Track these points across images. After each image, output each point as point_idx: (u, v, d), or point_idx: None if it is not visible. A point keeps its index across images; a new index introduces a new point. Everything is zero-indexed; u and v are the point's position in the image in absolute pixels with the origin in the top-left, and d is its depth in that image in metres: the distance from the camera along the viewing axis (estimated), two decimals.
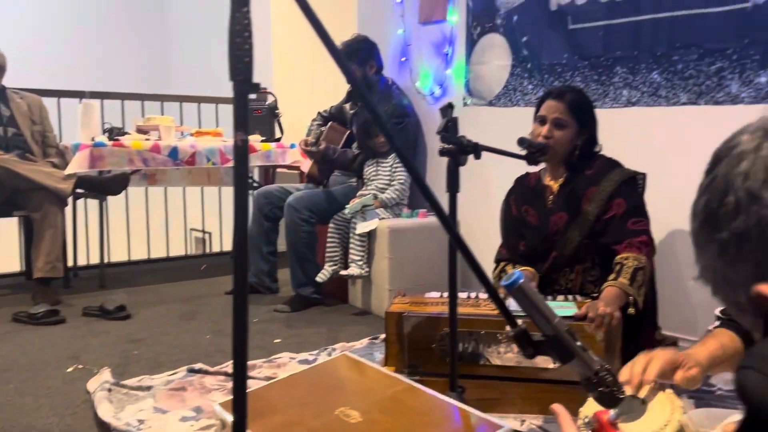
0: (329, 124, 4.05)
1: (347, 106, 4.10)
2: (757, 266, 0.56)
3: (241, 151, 0.99)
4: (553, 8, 3.24)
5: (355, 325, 3.36)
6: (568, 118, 2.43)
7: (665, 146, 2.85)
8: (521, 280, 1.11)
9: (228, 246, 5.21)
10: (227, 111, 4.89)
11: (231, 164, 4.33)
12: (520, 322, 1.15)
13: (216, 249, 5.48)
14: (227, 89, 0.98)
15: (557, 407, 1.05)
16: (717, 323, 1.52)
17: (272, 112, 4.47)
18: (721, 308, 1.51)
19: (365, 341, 3.00)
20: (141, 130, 4.33)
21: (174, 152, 4.06)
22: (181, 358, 2.85)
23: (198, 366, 2.64)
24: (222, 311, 3.61)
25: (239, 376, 1.02)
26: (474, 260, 1.13)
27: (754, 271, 0.56)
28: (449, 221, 1.16)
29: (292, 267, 3.70)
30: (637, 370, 1.33)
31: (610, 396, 1.11)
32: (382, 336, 2.88)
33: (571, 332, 1.12)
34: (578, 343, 1.12)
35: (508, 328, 1.17)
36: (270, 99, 4.51)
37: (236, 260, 1.02)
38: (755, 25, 2.49)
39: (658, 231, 2.56)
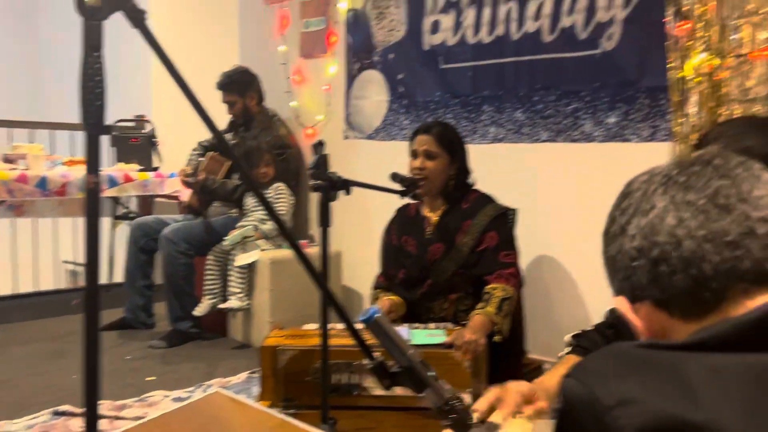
0: (209, 154, 4.01)
1: (228, 136, 4.08)
2: (618, 283, 0.65)
3: (93, 194, 0.99)
4: (426, 48, 3.40)
5: (235, 359, 3.31)
6: (437, 150, 2.56)
7: (530, 181, 3.03)
8: (377, 315, 1.16)
9: (104, 278, 5.00)
10: (103, 139, 4.77)
11: (105, 194, 4.19)
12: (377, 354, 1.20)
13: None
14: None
15: None
16: (567, 350, 1.62)
17: (150, 141, 4.37)
18: (572, 334, 1.62)
19: (243, 375, 2.97)
20: (8, 159, 4.10)
21: (43, 182, 3.87)
22: (48, 400, 2.70)
23: (63, 408, 2.51)
24: None
25: (91, 421, 1.01)
26: (329, 292, 1.18)
27: (617, 287, 0.65)
28: (304, 254, 1.20)
29: (168, 301, 3.61)
30: (486, 405, 1.39)
31: (461, 423, 1.18)
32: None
33: (424, 363, 1.19)
34: (430, 373, 1.18)
35: (366, 361, 1.22)
36: (148, 127, 4.42)
37: (87, 306, 1.02)
38: (604, 71, 2.72)
39: (525, 260, 2.72)
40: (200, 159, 4.02)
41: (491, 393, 1.45)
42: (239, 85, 3.86)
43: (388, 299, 2.55)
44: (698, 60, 2.38)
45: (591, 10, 2.74)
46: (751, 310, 0.54)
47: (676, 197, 0.61)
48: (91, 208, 1.00)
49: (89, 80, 0.99)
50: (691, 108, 2.40)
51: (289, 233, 1.15)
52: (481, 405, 1.42)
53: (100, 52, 0.99)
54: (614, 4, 2.67)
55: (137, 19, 1.00)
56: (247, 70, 3.96)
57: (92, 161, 1.00)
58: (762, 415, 0.47)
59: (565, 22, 2.83)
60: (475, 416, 1.32)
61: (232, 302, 3.48)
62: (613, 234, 0.66)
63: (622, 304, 0.66)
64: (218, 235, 3.62)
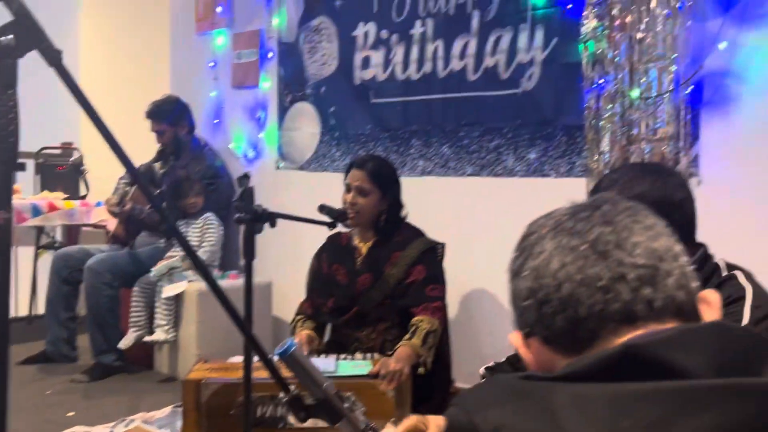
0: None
1: (157, 165, 4.04)
2: (515, 319, 0.70)
3: (4, 230, 0.99)
4: (357, 83, 3.47)
5: (160, 393, 3.25)
6: (370, 186, 2.60)
7: (456, 213, 3.12)
8: (293, 348, 1.19)
9: (23, 310, 4.82)
10: (27, 167, 4.63)
11: (28, 223, 4.08)
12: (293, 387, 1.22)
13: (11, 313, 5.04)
14: (26, 144, 1.00)
15: None
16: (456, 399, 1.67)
17: (77, 169, 4.29)
18: (485, 366, 1.68)
19: (167, 410, 2.91)
20: None
21: None
22: None
23: None
24: (13, 382, 3.33)
25: None
26: (243, 325, 1.19)
27: (515, 322, 0.70)
28: (220, 289, 1.22)
29: (92, 333, 3.52)
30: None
31: None
32: None
33: (339, 395, 1.22)
34: (345, 405, 1.22)
35: (281, 394, 1.24)
36: (75, 155, 4.33)
37: None
38: (525, 109, 2.85)
39: (454, 291, 2.79)
40: (128, 188, 3.96)
41: (410, 422, 1.49)
42: (169, 114, 3.84)
43: (306, 333, 2.56)
44: (610, 101, 2.52)
45: (512, 51, 2.87)
46: (614, 347, 0.60)
47: (562, 242, 0.66)
48: (1, 245, 1.00)
49: (2, 117, 0.99)
50: (605, 146, 2.53)
51: (203, 265, 1.17)
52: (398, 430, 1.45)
53: (14, 89, 1.00)
54: (533, 46, 2.81)
55: (53, 58, 1.02)
56: (178, 99, 3.95)
57: (3, 197, 0.99)
58: None
59: (489, 62, 2.95)
60: None
61: (158, 334, 3.42)
62: (511, 273, 0.72)
63: (516, 339, 0.71)
64: (144, 266, 3.57)
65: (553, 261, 0.66)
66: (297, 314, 2.70)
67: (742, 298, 1.38)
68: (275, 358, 1.24)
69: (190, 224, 3.68)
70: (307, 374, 1.20)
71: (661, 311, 0.62)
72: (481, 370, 1.67)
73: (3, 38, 0.99)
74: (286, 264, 3.67)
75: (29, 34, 1.01)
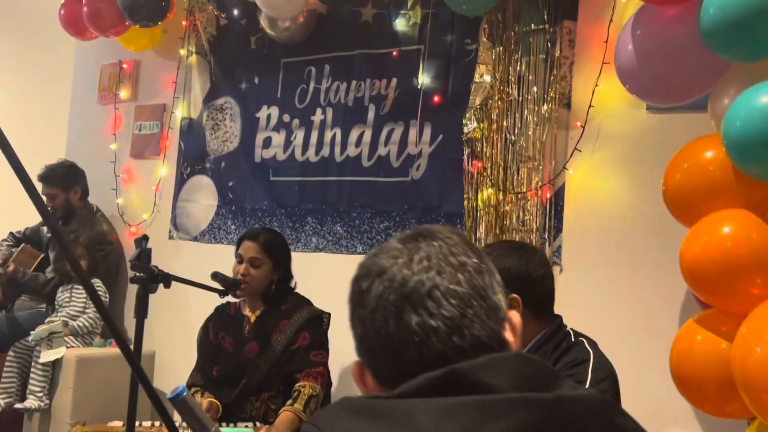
0: (22, 246, 3.88)
1: (44, 228, 3.98)
2: None
3: None
4: (258, 160, 3.63)
5: None
6: (263, 257, 2.70)
7: (345, 289, 3.26)
8: (184, 393, 1.29)
9: None
10: None
11: None
12: None
13: None
14: None
15: None
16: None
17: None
18: None
19: None
20: None
21: None
22: None
23: None
24: None
25: None
26: (142, 373, 1.28)
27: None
28: (126, 344, 1.30)
29: None
30: None
31: None
32: None
33: None
34: None
35: None
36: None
37: None
38: (412, 195, 3.09)
39: (338, 362, 2.89)
40: (12, 250, 3.86)
41: None
42: (63, 179, 3.84)
43: (208, 400, 2.58)
44: (486, 194, 2.81)
45: (403, 143, 3.14)
46: (438, 371, 0.75)
47: (383, 295, 0.83)
48: None
49: None
50: (481, 232, 2.80)
51: (115, 325, 1.25)
52: None
53: None
54: (422, 140, 3.09)
55: None
56: (73, 164, 3.96)
57: None
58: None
59: (382, 151, 3.20)
60: None
61: (31, 401, 3.28)
62: (350, 315, 0.90)
63: (357, 368, 0.88)
64: (22, 329, 3.46)
65: (377, 316, 0.82)
66: (192, 385, 2.69)
67: (586, 361, 1.63)
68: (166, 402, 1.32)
69: (74, 289, 3.62)
70: (197, 419, 1.29)
71: (470, 352, 0.78)
72: None
73: None
74: (170, 335, 3.65)
75: None
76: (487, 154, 2.83)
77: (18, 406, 3.29)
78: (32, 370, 3.35)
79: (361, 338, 0.84)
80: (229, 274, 2.67)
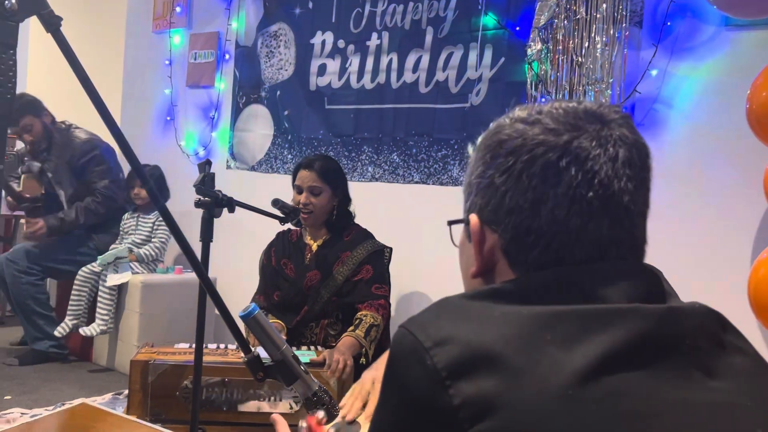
0: (21, 177, 3.96)
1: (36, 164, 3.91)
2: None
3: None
4: (312, 88, 3.58)
5: (98, 382, 3.24)
6: (321, 184, 2.69)
7: (402, 219, 3.25)
8: (256, 311, 1.28)
9: None
10: None
11: None
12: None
13: None
14: None
15: (276, 417, 1.22)
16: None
17: (20, 160, 4.23)
18: None
19: (108, 396, 2.92)
20: None
21: None
22: None
23: None
24: None
25: None
26: (217, 295, 1.28)
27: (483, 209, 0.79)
28: (200, 265, 1.30)
29: (22, 323, 3.54)
30: (352, 400, 1.52)
31: (327, 413, 1.31)
32: (126, 391, 2.84)
33: (296, 357, 1.31)
34: (302, 368, 1.31)
35: (242, 355, 1.33)
36: (19, 145, 4.28)
37: None
38: (471, 122, 3.01)
39: (396, 295, 2.90)
40: (17, 180, 3.96)
41: (356, 389, 1.58)
42: (33, 105, 3.70)
43: (274, 321, 2.63)
44: None
45: (462, 67, 3.04)
46: (548, 273, 0.71)
47: (574, 192, 0.72)
48: None
49: (2, 75, 1.07)
50: None
51: (190, 249, 1.25)
52: (347, 401, 1.55)
53: (14, 50, 1.08)
54: (482, 64, 2.98)
55: (52, 24, 1.10)
56: (27, 93, 3.81)
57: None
58: (537, 347, 0.64)
59: (440, 76, 3.11)
60: (341, 412, 1.46)
61: (93, 327, 3.40)
62: (513, 170, 0.74)
63: (475, 222, 0.77)
64: (58, 252, 3.63)
65: (569, 209, 0.71)
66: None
67: None
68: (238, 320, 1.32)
69: (141, 218, 3.69)
70: (268, 336, 1.29)
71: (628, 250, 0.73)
72: None
73: (6, 2, 1.07)
74: (230, 261, 3.72)
75: (31, 0, 1.09)
76: (552, 77, 2.72)
77: (82, 331, 3.41)
78: (99, 293, 3.46)
79: (526, 206, 0.73)
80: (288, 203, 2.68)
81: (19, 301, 3.50)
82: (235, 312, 1.33)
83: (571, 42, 2.68)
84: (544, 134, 0.73)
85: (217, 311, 3.72)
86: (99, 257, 3.46)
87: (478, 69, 2.99)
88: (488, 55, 2.97)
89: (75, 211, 3.64)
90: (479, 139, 0.81)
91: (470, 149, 0.87)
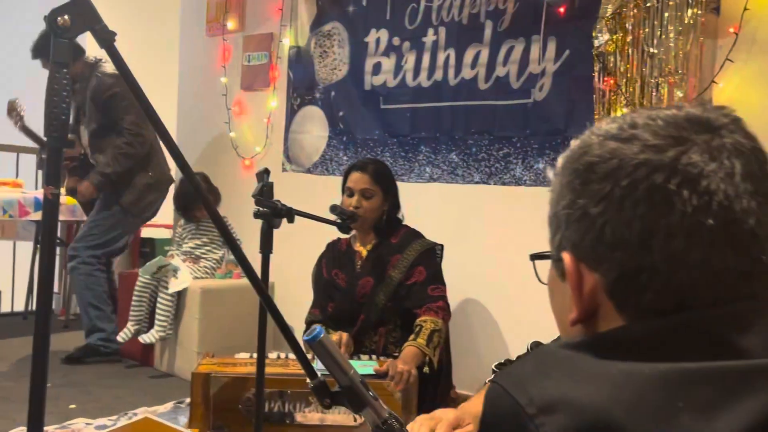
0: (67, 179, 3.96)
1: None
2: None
3: (52, 205, 1.01)
4: (367, 88, 3.51)
5: (159, 389, 3.24)
6: (374, 187, 2.63)
7: (462, 219, 3.15)
8: (321, 335, 1.21)
9: (20, 305, 4.81)
10: (29, 161, 4.64)
11: (30, 217, 4.07)
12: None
13: (6, 308, 5.02)
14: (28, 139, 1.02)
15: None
16: (492, 377, 1.70)
17: (81, 165, 4.29)
18: (497, 362, 1.70)
19: (170, 405, 2.91)
20: None
21: None
22: None
23: None
24: (12, 375, 3.32)
25: None
26: (280, 317, 1.21)
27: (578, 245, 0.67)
28: (258, 280, 1.24)
29: (81, 314, 3.71)
30: (418, 426, 1.43)
31: None
32: (188, 400, 2.82)
33: (364, 383, 1.23)
34: (371, 393, 1.23)
35: (308, 380, 1.26)
36: (80, 151, 4.34)
37: (38, 319, 1.02)
38: (535, 119, 2.88)
39: (452, 297, 2.81)
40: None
41: (422, 420, 1.50)
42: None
43: (338, 333, 2.56)
44: (621, 113, 2.56)
45: (524, 62, 2.91)
46: (669, 319, 0.58)
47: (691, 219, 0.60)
48: (49, 219, 1.02)
49: (55, 95, 1.02)
50: None
51: (250, 267, 1.19)
52: (413, 427, 1.47)
53: (68, 69, 1.03)
54: (546, 58, 2.85)
55: (106, 40, 1.04)
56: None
57: (52, 173, 1.02)
58: (667, 417, 0.52)
59: (500, 71, 2.99)
60: None
61: (152, 334, 3.40)
62: (618, 194, 0.62)
63: (569, 261, 0.65)
64: (92, 229, 3.70)
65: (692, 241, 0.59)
66: (311, 322, 2.69)
67: None
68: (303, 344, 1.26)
69: (201, 223, 3.68)
70: (334, 361, 1.21)
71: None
72: (493, 366, 1.69)
73: (59, 18, 1.02)
74: (286, 265, 3.68)
75: (84, 16, 1.03)
76: (621, 69, 2.57)
77: (142, 339, 3.41)
78: (158, 299, 3.47)
79: (636, 241, 0.60)
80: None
81: (78, 293, 3.65)
82: (293, 320, 1.27)
83: (641, 31, 2.54)
84: (645, 152, 0.60)
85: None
86: (141, 269, 3.50)
87: (541, 63, 2.86)
88: (552, 47, 2.83)
89: (110, 159, 3.61)
90: (561, 162, 0.69)
91: (550, 174, 0.75)
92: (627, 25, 2.56)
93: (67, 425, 2.59)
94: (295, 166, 3.87)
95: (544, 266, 0.74)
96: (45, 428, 2.50)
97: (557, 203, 0.66)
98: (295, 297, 3.47)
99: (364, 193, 2.62)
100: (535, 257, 0.77)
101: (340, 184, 2.75)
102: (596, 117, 2.62)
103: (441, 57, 3.20)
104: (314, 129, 3.77)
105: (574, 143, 0.69)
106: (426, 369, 2.39)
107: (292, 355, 2.55)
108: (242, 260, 1.16)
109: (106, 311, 3.64)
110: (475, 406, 1.55)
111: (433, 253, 2.70)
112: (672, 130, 0.61)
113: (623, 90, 2.56)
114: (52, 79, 1.01)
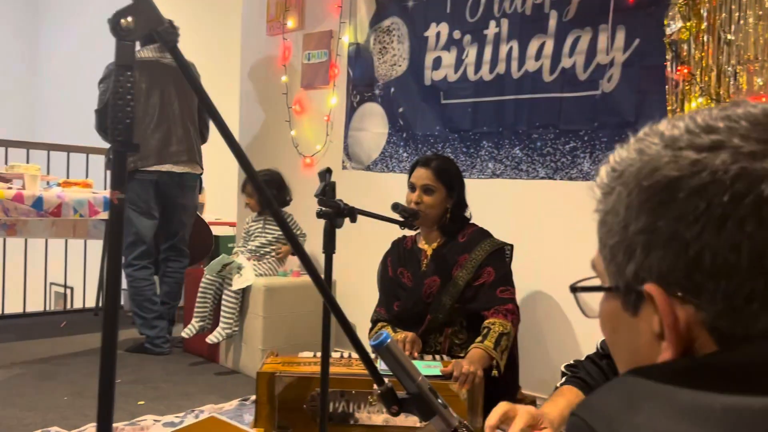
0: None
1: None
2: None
3: (118, 209, 1.00)
4: (427, 83, 3.45)
5: (224, 386, 3.28)
6: (436, 184, 2.57)
7: (526, 217, 3.07)
8: (389, 340, 1.17)
9: (91, 302, 4.96)
10: (98, 162, 4.77)
11: (100, 216, 4.18)
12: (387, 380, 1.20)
13: (78, 305, 5.19)
14: (98, 139, 1.01)
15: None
16: (563, 380, 1.63)
17: None
18: (566, 364, 1.63)
19: (235, 403, 2.94)
20: (3, 178, 4.10)
21: (39, 202, 3.87)
22: (35, 421, 2.67)
23: (53, 429, 2.48)
24: (83, 371, 3.42)
25: None
26: (345, 320, 1.19)
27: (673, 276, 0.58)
28: (323, 282, 1.21)
29: None
30: (496, 419, 1.38)
31: None
32: (253, 397, 2.84)
33: (433, 390, 1.19)
34: (439, 401, 1.19)
35: (375, 386, 1.22)
36: None
37: (105, 324, 1.02)
38: (603, 111, 2.78)
39: (520, 296, 2.73)
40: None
41: (502, 407, 1.45)
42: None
43: (404, 333, 2.53)
44: (696, 104, 2.44)
45: (591, 52, 2.81)
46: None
47: None
48: (115, 223, 1.01)
49: (120, 98, 1.01)
50: None
51: (308, 259, 1.16)
52: (492, 418, 1.42)
53: (131, 72, 1.02)
54: (614, 48, 2.74)
55: (169, 40, 1.03)
56: None
57: (118, 177, 1.01)
58: None
59: (566, 63, 2.89)
60: (486, 430, 1.33)
61: (218, 333, 3.44)
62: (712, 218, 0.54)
63: (660, 295, 0.57)
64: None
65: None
66: (377, 321, 2.67)
67: None
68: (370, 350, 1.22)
69: (267, 221, 3.72)
70: (402, 367, 1.18)
71: None
72: (562, 367, 1.63)
73: (122, 20, 1.01)
74: (349, 265, 3.67)
75: (147, 17, 1.02)
76: (696, 58, 2.45)
77: (209, 339, 3.45)
78: (223, 297, 3.51)
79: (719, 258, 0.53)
80: (403, 203, 2.58)
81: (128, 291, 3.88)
82: (355, 318, 1.24)
83: (717, 17, 2.41)
84: (739, 161, 0.53)
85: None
86: (206, 267, 3.55)
87: (610, 53, 2.75)
88: (620, 36, 2.72)
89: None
90: (611, 178, 0.61)
91: (597, 192, 0.65)
92: (702, 11, 2.43)
93: (136, 422, 2.64)
94: (354, 164, 3.86)
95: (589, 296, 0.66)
96: (115, 425, 2.56)
97: (624, 228, 0.58)
98: (357, 295, 3.45)
99: (425, 188, 2.57)
100: (577, 290, 0.67)
101: (399, 181, 2.71)
102: (669, 108, 2.50)
103: (503, 49, 3.13)
104: (374, 126, 3.75)
105: (622, 154, 0.61)
106: (494, 372, 2.33)
107: (355, 354, 2.53)
108: (306, 261, 1.13)
109: (147, 318, 3.82)
110: (551, 410, 1.49)
111: (502, 254, 2.62)
112: (762, 133, 0.54)
113: (698, 79, 2.44)
114: (117, 82, 1.00)
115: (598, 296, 0.65)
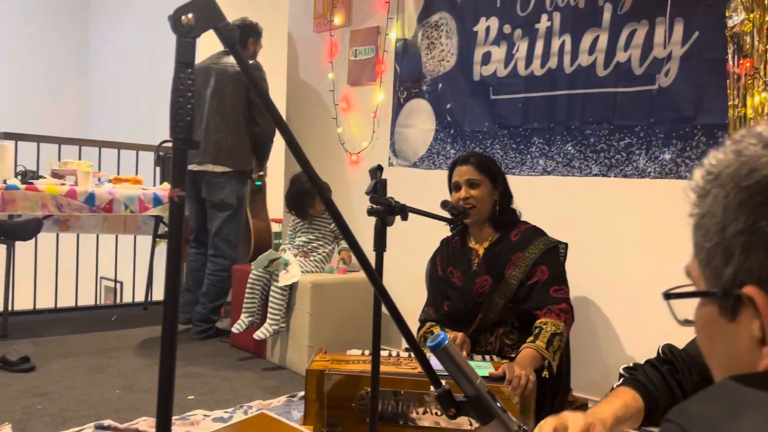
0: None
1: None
2: None
3: (178, 207, 1.00)
4: (476, 78, 3.41)
5: (271, 382, 3.30)
6: (480, 177, 2.54)
7: (578, 215, 3.00)
8: (446, 342, 1.14)
9: (141, 296, 5.05)
10: (148, 158, 4.85)
11: (150, 212, 4.25)
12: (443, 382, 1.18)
13: (128, 299, 5.29)
14: (147, 136, 1.01)
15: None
16: (620, 381, 1.58)
17: None
18: (624, 366, 1.58)
19: (283, 399, 2.95)
20: (56, 175, 4.19)
21: (91, 198, 3.95)
22: (88, 413, 2.72)
23: (107, 422, 2.52)
24: (133, 365, 3.48)
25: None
26: (402, 321, 1.16)
27: None
28: (378, 280, 1.19)
29: None
30: None
31: None
32: (301, 394, 2.85)
33: (491, 393, 1.16)
34: (498, 404, 1.16)
35: (432, 388, 1.20)
36: None
37: (165, 318, 1.02)
38: (660, 106, 2.69)
39: (575, 298, 2.67)
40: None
41: (550, 422, 1.41)
42: (253, 29, 4.17)
43: (455, 333, 2.50)
44: (759, 99, 2.35)
45: (647, 46, 2.73)
46: None
47: None
48: (175, 221, 1.01)
49: (180, 96, 1.00)
50: None
51: (368, 262, 1.14)
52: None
53: (191, 69, 1.01)
54: (672, 41, 2.65)
55: (229, 38, 1.02)
56: (246, 19, 4.18)
57: (178, 175, 1.00)
58: None
59: (621, 57, 2.82)
60: None
61: (266, 329, 3.46)
62: None
63: (761, 297, 0.55)
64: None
65: None
66: (425, 320, 2.64)
67: None
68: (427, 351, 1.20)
69: (314, 219, 3.72)
70: (460, 369, 1.15)
71: None
72: (620, 369, 1.58)
73: (183, 17, 1.00)
74: (396, 262, 3.64)
75: (208, 14, 1.01)
76: (760, 51, 2.35)
77: (256, 335, 3.47)
78: (270, 293, 3.53)
79: None
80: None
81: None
82: (407, 316, 1.21)
83: None
84: None
85: (384, 310, 3.67)
86: (253, 262, 3.57)
87: (667, 46, 2.67)
88: (679, 29, 2.63)
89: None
90: (708, 180, 0.59)
91: (692, 196, 0.63)
92: (766, 2, 2.33)
93: (187, 416, 2.67)
94: (401, 161, 3.83)
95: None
96: None
97: (723, 229, 0.56)
98: (404, 293, 3.43)
99: (470, 183, 2.54)
100: (671, 296, 0.65)
101: (446, 178, 2.68)
102: (730, 103, 2.41)
103: (555, 44, 3.06)
104: (421, 122, 3.72)
105: (718, 157, 0.59)
106: (545, 373, 2.28)
107: (404, 353, 2.51)
108: (362, 259, 1.11)
109: (189, 297, 4.19)
110: (603, 411, 1.45)
111: (556, 252, 2.57)
112: None
113: (761, 73, 2.34)
114: (177, 79, 1.00)
115: (693, 303, 0.61)
